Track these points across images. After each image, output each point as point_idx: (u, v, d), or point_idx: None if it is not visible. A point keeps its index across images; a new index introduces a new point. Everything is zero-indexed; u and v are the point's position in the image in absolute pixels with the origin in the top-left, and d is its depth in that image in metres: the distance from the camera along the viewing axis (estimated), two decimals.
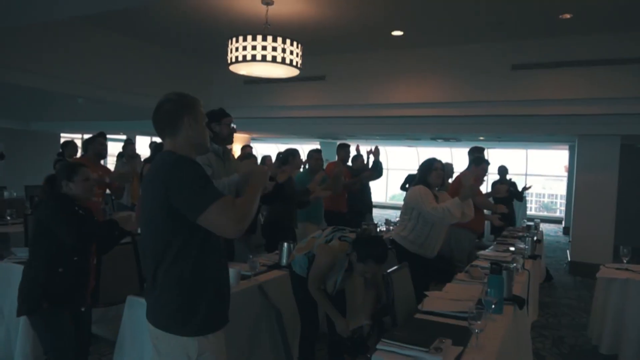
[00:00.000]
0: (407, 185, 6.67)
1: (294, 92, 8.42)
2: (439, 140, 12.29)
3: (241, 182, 3.05)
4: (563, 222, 13.09)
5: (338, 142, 6.37)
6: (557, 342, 4.48)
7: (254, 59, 5.03)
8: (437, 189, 3.90)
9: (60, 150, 6.77)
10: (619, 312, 3.87)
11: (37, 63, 6.38)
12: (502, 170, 7.54)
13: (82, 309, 2.65)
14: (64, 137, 13.65)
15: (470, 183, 3.68)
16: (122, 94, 7.64)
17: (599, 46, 6.35)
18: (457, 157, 14.75)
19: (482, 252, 4.50)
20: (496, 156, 14.53)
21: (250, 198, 1.79)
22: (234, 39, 5.16)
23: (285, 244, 3.60)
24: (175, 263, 1.75)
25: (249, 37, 5.03)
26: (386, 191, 18.42)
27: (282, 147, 5.77)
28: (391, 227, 5.68)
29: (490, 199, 5.99)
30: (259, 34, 5.02)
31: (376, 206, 9.95)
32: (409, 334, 2.21)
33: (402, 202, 4.03)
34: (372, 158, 6.13)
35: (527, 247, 4.49)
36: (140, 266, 3.06)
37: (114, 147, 12.42)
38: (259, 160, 6.23)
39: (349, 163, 6.36)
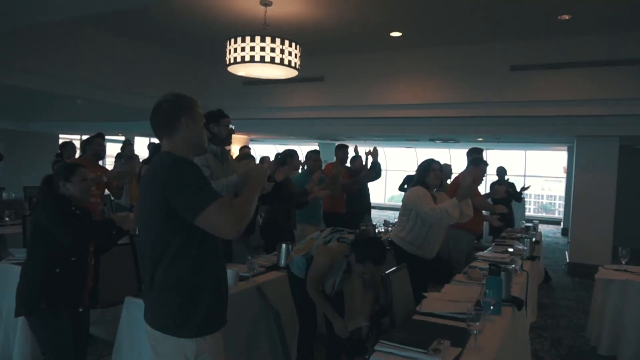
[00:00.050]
0: (405, 186, 6.68)
1: (293, 93, 8.42)
2: (438, 141, 12.31)
3: (240, 183, 3.06)
4: (562, 223, 13.11)
5: (336, 143, 6.37)
6: (555, 343, 4.48)
7: (252, 59, 5.04)
8: (435, 190, 3.90)
9: (59, 151, 6.76)
10: (618, 314, 3.87)
11: (37, 63, 6.38)
12: (501, 171, 7.54)
13: (80, 310, 2.64)
14: (63, 138, 13.65)
15: (468, 183, 3.67)
16: (121, 95, 7.64)
17: (597, 47, 6.36)
18: (455, 158, 14.76)
19: (480, 253, 4.50)
20: (495, 157, 14.57)
21: (248, 198, 1.79)
22: (232, 40, 5.16)
23: (284, 245, 3.60)
24: (174, 264, 1.75)
25: (248, 38, 5.03)
26: (385, 192, 18.43)
27: (281, 148, 5.76)
28: (390, 228, 5.67)
29: (489, 200, 5.99)
30: (258, 34, 5.03)
31: (375, 207, 9.97)
32: (407, 335, 2.21)
33: (400, 203, 4.02)
34: (370, 159, 6.13)
35: (525, 248, 4.48)
36: (138, 267, 3.05)
37: (113, 148, 12.43)
38: (257, 161, 6.22)
39: (348, 164, 6.36)
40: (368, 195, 6.57)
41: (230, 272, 2.73)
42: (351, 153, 6.38)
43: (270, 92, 8.57)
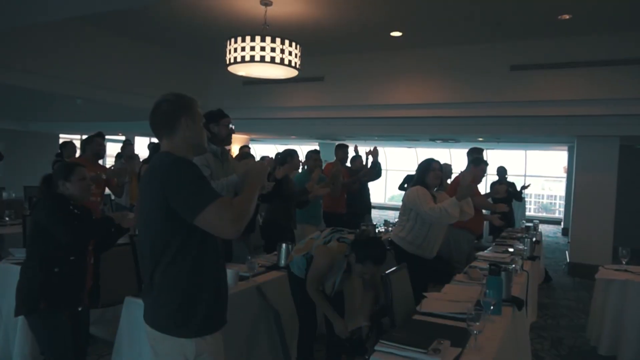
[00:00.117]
0: (405, 185, 6.67)
1: (293, 93, 8.42)
2: (438, 141, 12.30)
3: (240, 182, 3.06)
4: (562, 223, 13.10)
5: (336, 143, 6.37)
6: (555, 343, 4.48)
7: (252, 59, 5.03)
8: (435, 189, 3.90)
9: (59, 150, 6.77)
10: (618, 314, 3.87)
11: (37, 63, 6.38)
12: (501, 171, 7.54)
13: (80, 309, 2.64)
14: (63, 137, 13.65)
15: (468, 183, 3.67)
16: (121, 95, 7.64)
17: (598, 47, 6.35)
18: (456, 158, 14.76)
19: (480, 253, 4.50)
20: (495, 157, 14.56)
21: (248, 197, 1.78)
22: (232, 40, 5.16)
23: (284, 245, 3.60)
24: (174, 264, 1.75)
25: (248, 38, 5.03)
26: (385, 192, 18.43)
27: (281, 148, 5.77)
28: (390, 228, 5.67)
29: (489, 200, 5.99)
30: (258, 34, 5.02)
31: (375, 207, 9.97)
32: (407, 335, 2.21)
33: (400, 203, 4.02)
34: (370, 159, 6.13)
35: (526, 248, 4.48)
36: (138, 267, 3.05)
37: (113, 148, 12.44)
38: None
39: (348, 164, 6.36)
40: (368, 195, 6.57)
41: (230, 272, 2.73)
42: (351, 153, 6.38)
43: (270, 92, 8.57)
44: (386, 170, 15.84)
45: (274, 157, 5.27)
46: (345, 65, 7.95)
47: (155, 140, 6.39)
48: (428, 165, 3.84)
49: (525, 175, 15.91)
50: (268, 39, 5.01)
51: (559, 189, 16.62)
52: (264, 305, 3.19)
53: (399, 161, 17.76)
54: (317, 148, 7.61)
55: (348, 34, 6.73)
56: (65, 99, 8.09)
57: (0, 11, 4.39)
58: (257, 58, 5.01)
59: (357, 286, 3.33)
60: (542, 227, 8.91)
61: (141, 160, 6.48)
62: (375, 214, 10.15)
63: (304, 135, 12.13)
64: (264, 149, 18.47)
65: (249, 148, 7.27)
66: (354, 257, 2.85)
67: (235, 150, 7.72)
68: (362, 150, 6.45)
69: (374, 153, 6.04)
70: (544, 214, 17.10)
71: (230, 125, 3.48)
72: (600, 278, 4.09)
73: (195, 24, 6.48)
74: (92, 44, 6.94)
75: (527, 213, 14.01)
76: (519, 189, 7.91)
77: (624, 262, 4.12)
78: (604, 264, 4.44)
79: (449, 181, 5.70)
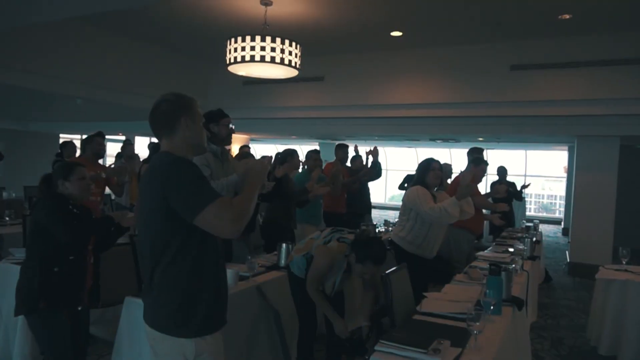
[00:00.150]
0: (405, 185, 6.67)
1: (293, 93, 8.42)
2: (438, 141, 12.30)
3: (240, 182, 3.06)
4: (562, 223, 13.10)
5: (337, 143, 6.37)
6: (556, 343, 4.48)
7: (252, 59, 5.03)
8: (435, 189, 3.89)
9: (59, 150, 6.77)
10: (618, 314, 3.87)
11: (37, 63, 6.38)
12: (502, 171, 7.54)
13: (79, 309, 2.64)
14: (63, 137, 13.66)
15: (467, 182, 3.67)
16: (121, 95, 7.64)
17: (598, 47, 6.35)
18: (456, 158, 14.76)
19: (481, 253, 4.50)
20: (495, 157, 14.56)
21: (248, 197, 1.78)
22: (232, 40, 5.16)
23: (284, 245, 3.59)
24: (174, 264, 1.74)
25: (248, 38, 5.02)
26: (385, 192, 18.43)
27: (281, 148, 5.77)
28: (390, 228, 5.67)
29: (490, 200, 5.99)
30: (258, 34, 5.02)
31: (375, 207, 9.97)
32: (407, 335, 2.21)
33: (401, 203, 4.02)
34: (370, 158, 6.13)
35: (526, 248, 4.48)
36: (138, 267, 3.05)
37: (113, 148, 12.44)
38: None
39: (348, 163, 6.36)
40: (368, 194, 6.57)
41: (230, 272, 2.73)
42: (351, 152, 6.38)
43: (270, 92, 8.57)
44: (386, 170, 15.84)
45: (274, 157, 5.27)
46: (345, 65, 7.95)
47: (155, 140, 6.40)
48: (428, 165, 3.84)
49: (525, 175, 15.90)
50: (268, 38, 5.00)
51: (559, 188, 16.62)
52: (264, 305, 3.19)
53: (399, 161, 17.77)
54: (317, 148, 7.61)
55: (348, 33, 6.72)
56: (65, 99, 8.09)
57: (0, 11, 4.39)
58: (257, 58, 5.01)
59: (357, 286, 3.33)
60: (543, 227, 8.90)
61: (141, 160, 6.48)
62: (375, 214, 10.15)
63: (304, 135, 12.13)
64: (264, 149, 18.48)
65: (249, 148, 7.27)
66: (354, 257, 2.85)
67: (235, 150, 7.72)
68: (362, 150, 6.45)
69: (374, 153, 6.03)
70: (544, 214, 17.10)
71: (230, 125, 3.48)
72: (600, 278, 4.09)
73: (195, 24, 6.48)
74: (92, 44, 6.94)
75: (528, 213, 14.01)
76: (519, 188, 7.91)
77: (624, 262, 4.12)
78: (604, 264, 4.44)
79: (449, 181, 5.70)
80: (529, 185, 8.83)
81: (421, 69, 7.51)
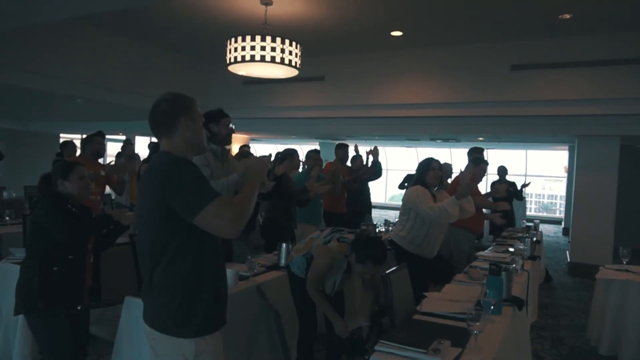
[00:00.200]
0: (405, 184, 6.67)
1: (293, 93, 8.42)
2: (438, 141, 12.30)
3: (240, 181, 3.06)
4: (563, 223, 13.10)
5: (337, 142, 6.37)
6: (556, 343, 4.48)
7: (253, 59, 5.03)
8: (435, 188, 3.89)
9: (59, 150, 6.77)
10: (619, 313, 3.87)
11: (37, 63, 6.38)
12: (502, 171, 7.53)
13: (79, 308, 2.64)
14: (63, 137, 13.65)
15: (467, 182, 3.66)
16: (122, 94, 7.64)
17: (598, 46, 6.35)
18: (456, 158, 14.76)
19: (481, 252, 4.49)
20: (496, 157, 14.55)
21: (247, 196, 1.78)
22: (232, 40, 5.16)
23: (284, 245, 3.59)
24: (174, 263, 1.74)
25: (248, 38, 5.02)
26: (385, 192, 18.42)
27: (281, 148, 5.77)
28: (390, 228, 5.67)
29: (490, 199, 5.99)
30: (258, 34, 5.02)
31: (375, 207, 9.95)
32: (407, 335, 2.21)
33: (401, 203, 4.02)
34: (371, 158, 6.13)
35: (526, 247, 4.48)
36: (138, 267, 3.05)
37: (113, 148, 12.45)
38: None
39: (348, 163, 6.36)
40: (369, 194, 6.57)
41: (230, 272, 2.73)
42: (351, 152, 6.38)
43: (270, 92, 8.57)
44: (386, 169, 15.82)
45: (274, 157, 5.27)
46: (345, 65, 7.95)
47: (155, 139, 6.39)
48: (428, 165, 3.84)
49: (525, 175, 15.89)
50: (268, 38, 5.00)
51: (560, 188, 16.61)
52: (264, 305, 3.19)
53: (399, 161, 17.76)
54: (318, 148, 7.61)
55: (348, 33, 6.72)
56: (65, 98, 8.10)
57: (0, 11, 4.39)
58: (258, 58, 5.01)
59: (357, 286, 3.33)
60: (543, 227, 8.90)
61: (141, 159, 6.48)
62: (375, 214, 10.14)
63: (304, 135, 12.13)
64: (265, 149, 18.46)
65: (249, 147, 7.27)
66: (354, 257, 2.85)
67: (235, 149, 7.72)
68: (363, 149, 6.45)
69: (374, 152, 6.03)
70: (545, 214, 17.10)
71: (231, 125, 3.48)
72: (600, 278, 4.08)
73: (195, 24, 6.48)
74: (92, 44, 6.94)
75: (528, 213, 14.01)
76: (519, 188, 7.91)
77: (624, 262, 4.12)
78: (605, 264, 4.43)
79: (449, 181, 5.70)
80: (529, 184, 8.84)
81: (421, 69, 7.51)
